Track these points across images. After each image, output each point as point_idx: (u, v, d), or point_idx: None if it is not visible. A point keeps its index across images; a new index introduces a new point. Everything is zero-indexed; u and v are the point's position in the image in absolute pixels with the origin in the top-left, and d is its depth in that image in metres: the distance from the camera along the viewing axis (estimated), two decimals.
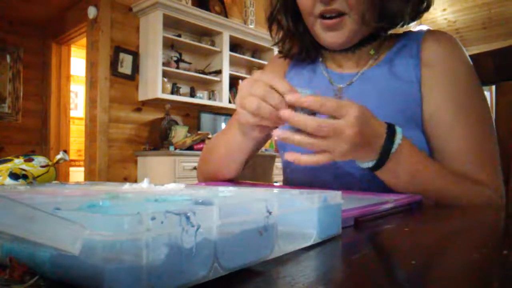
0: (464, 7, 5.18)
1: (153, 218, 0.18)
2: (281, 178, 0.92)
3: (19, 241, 0.21)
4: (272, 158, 2.82)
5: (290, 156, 0.53)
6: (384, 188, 0.64)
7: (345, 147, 0.51)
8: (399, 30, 0.81)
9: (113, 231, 0.18)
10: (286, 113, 0.51)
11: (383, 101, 0.72)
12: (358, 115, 0.50)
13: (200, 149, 3.47)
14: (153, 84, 3.56)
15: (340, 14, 0.69)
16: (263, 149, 3.87)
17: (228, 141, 0.77)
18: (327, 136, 0.50)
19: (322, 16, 0.70)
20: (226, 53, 4.10)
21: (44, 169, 0.63)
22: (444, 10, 5.30)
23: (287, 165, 0.87)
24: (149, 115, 3.81)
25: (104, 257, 0.18)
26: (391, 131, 0.56)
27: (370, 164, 0.57)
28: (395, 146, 0.56)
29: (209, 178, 0.85)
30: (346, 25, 0.70)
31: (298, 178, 0.83)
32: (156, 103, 3.79)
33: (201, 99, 4.02)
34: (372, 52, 0.78)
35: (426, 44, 0.73)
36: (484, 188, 0.63)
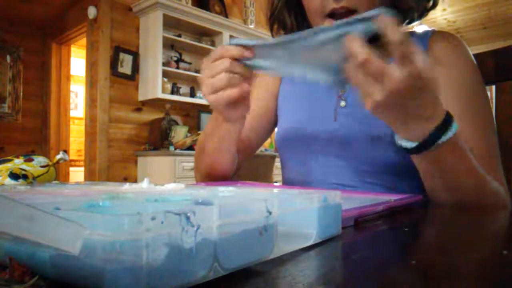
0: (464, 7, 5.18)
1: (153, 218, 0.18)
2: (281, 178, 0.92)
3: (19, 241, 0.21)
4: (272, 158, 2.82)
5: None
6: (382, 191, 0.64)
7: (380, 95, 0.46)
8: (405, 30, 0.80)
9: (113, 231, 0.18)
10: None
11: None
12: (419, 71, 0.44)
13: None
14: (153, 84, 3.56)
15: (349, 12, 0.67)
16: (262, 148, 3.87)
17: (216, 133, 0.74)
18: (370, 74, 0.45)
19: (330, 15, 0.68)
20: None
21: (44, 169, 0.63)
22: (444, 10, 5.30)
23: (284, 164, 0.87)
24: (149, 115, 3.80)
25: (104, 257, 0.18)
26: (447, 119, 0.51)
27: (411, 144, 0.52)
28: (446, 136, 0.51)
29: (207, 173, 0.82)
30: None
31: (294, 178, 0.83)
32: (156, 103, 3.78)
33: (201, 99, 4.01)
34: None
35: (433, 43, 0.73)
36: (499, 187, 0.62)
